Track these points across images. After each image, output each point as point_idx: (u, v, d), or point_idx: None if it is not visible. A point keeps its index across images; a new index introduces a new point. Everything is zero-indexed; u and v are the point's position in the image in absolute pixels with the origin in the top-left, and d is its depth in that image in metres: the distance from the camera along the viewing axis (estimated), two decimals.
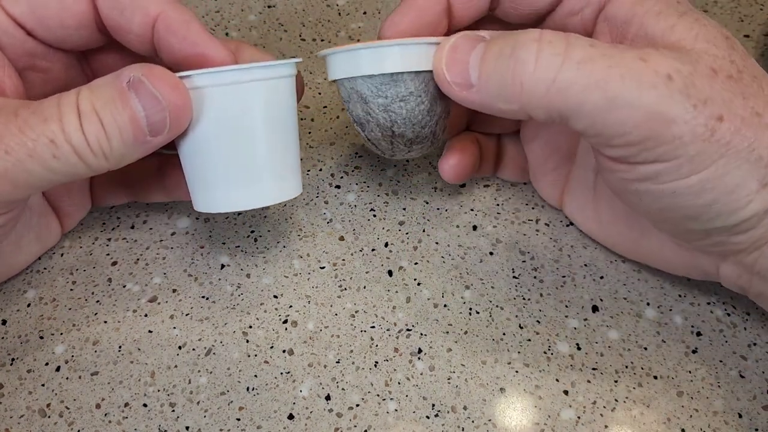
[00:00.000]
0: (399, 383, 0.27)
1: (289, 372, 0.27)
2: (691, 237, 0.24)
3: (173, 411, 0.26)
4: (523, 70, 0.21)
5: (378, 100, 0.25)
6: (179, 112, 0.23)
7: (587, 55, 0.21)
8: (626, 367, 0.27)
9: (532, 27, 0.27)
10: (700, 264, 0.27)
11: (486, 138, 0.32)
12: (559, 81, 0.21)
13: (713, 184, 0.21)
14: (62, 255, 0.31)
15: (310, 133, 0.35)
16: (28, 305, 0.29)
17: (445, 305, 0.29)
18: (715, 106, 0.21)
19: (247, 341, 0.28)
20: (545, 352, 0.28)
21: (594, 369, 0.27)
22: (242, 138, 0.24)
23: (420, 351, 0.28)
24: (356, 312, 0.29)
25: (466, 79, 0.23)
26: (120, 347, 0.28)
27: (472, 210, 0.33)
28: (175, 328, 0.28)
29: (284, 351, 0.28)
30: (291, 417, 0.26)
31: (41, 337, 0.28)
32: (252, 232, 0.32)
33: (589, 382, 0.27)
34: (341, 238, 0.31)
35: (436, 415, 0.26)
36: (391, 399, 0.27)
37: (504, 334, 0.28)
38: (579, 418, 0.26)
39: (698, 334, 0.29)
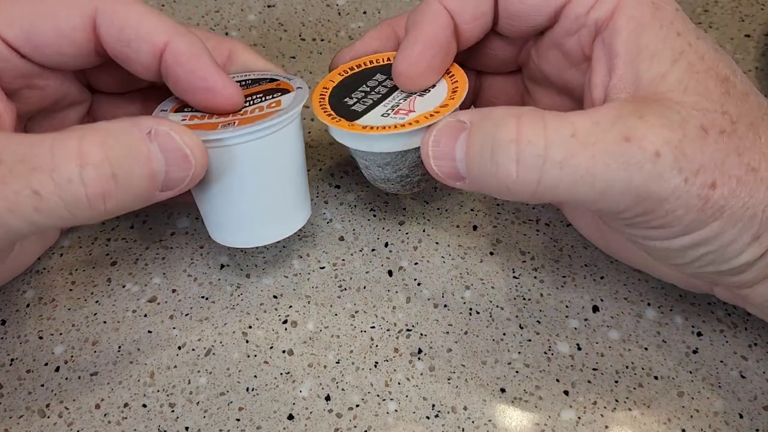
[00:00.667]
0: (399, 383, 0.27)
1: (288, 372, 0.27)
2: (685, 271, 0.25)
3: (173, 411, 0.26)
4: (506, 175, 0.21)
5: (361, 160, 0.27)
6: (200, 172, 0.23)
7: (568, 150, 0.20)
8: (627, 367, 0.27)
9: (531, 41, 0.27)
10: (694, 284, 0.27)
11: None
12: (544, 182, 0.20)
13: (707, 242, 0.21)
14: (61, 255, 0.31)
15: (309, 132, 0.35)
16: (28, 305, 0.29)
17: (445, 305, 0.29)
18: (708, 174, 0.20)
19: (247, 341, 0.28)
20: (545, 353, 0.28)
21: (594, 369, 0.27)
22: (253, 187, 0.25)
23: (420, 351, 0.28)
24: (356, 312, 0.29)
25: (456, 173, 0.23)
26: (119, 347, 0.28)
27: (472, 210, 0.33)
28: (174, 328, 0.28)
29: (284, 351, 0.28)
30: (291, 417, 0.26)
31: (40, 338, 0.28)
32: None
33: (589, 382, 0.27)
34: (341, 238, 0.31)
35: (437, 416, 0.26)
36: (391, 399, 0.26)
37: (504, 334, 0.28)
38: (579, 418, 0.26)
39: (699, 334, 0.28)
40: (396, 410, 0.26)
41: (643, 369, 0.27)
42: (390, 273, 0.30)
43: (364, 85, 0.27)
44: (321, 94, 0.27)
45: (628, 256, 0.29)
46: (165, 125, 0.22)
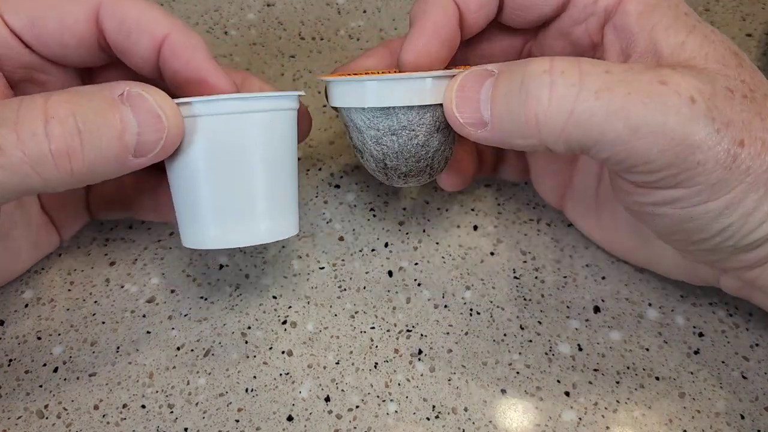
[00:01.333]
0: (399, 384, 0.27)
1: (288, 373, 0.27)
2: (697, 253, 0.24)
3: (172, 412, 0.26)
4: (536, 105, 0.20)
5: (370, 131, 0.25)
6: (173, 137, 0.22)
7: (604, 83, 0.20)
8: (628, 368, 0.27)
9: (535, 33, 0.27)
10: (701, 274, 0.27)
11: None
12: (577, 113, 0.20)
13: (731, 209, 0.21)
14: (60, 255, 0.30)
15: (309, 133, 0.35)
16: (26, 306, 0.29)
17: (445, 306, 0.29)
18: (737, 130, 0.20)
19: (246, 342, 0.28)
20: (546, 353, 0.28)
21: (595, 370, 0.27)
22: (236, 171, 0.23)
23: (420, 352, 0.28)
24: (356, 313, 0.29)
25: (479, 118, 0.22)
26: (118, 348, 0.28)
27: (472, 210, 0.32)
28: (173, 328, 0.28)
29: (283, 352, 0.28)
30: (290, 418, 0.26)
31: (39, 338, 0.28)
32: None
33: (590, 383, 0.27)
34: (341, 239, 0.31)
35: (437, 417, 0.26)
36: (391, 400, 0.26)
37: (505, 334, 0.28)
38: (580, 419, 0.26)
39: (700, 335, 0.28)
40: (396, 411, 0.26)
41: (644, 370, 0.27)
42: (390, 273, 0.30)
43: None
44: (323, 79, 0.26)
45: (632, 252, 0.29)
46: (138, 87, 0.21)
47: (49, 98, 0.20)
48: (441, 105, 0.24)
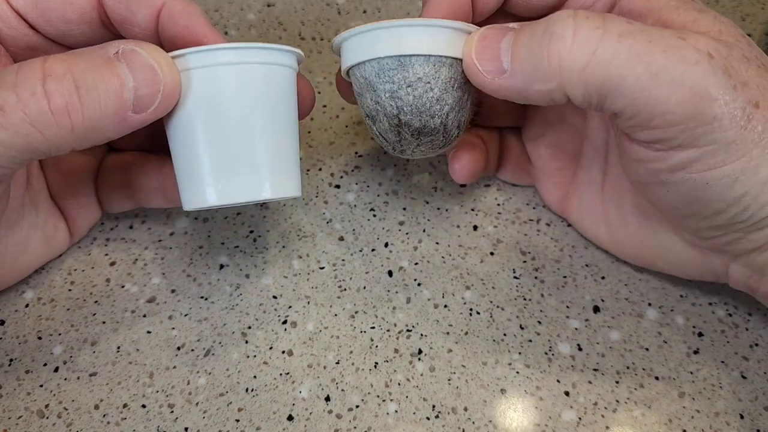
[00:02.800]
0: (399, 384, 0.27)
1: (288, 373, 0.27)
2: (709, 233, 0.24)
3: (172, 412, 0.26)
4: (560, 44, 0.21)
5: (385, 85, 0.24)
6: (171, 90, 0.22)
7: (626, 29, 0.20)
8: (627, 367, 0.27)
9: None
10: (709, 264, 0.26)
11: (488, 134, 0.31)
12: (599, 53, 0.20)
13: (746, 175, 0.21)
14: (60, 255, 0.30)
15: (309, 132, 0.35)
16: (27, 306, 0.29)
17: (445, 306, 0.29)
18: (752, 91, 0.21)
19: (246, 342, 0.28)
20: (546, 353, 0.28)
21: (595, 370, 0.27)
22: (234, 125, 0.23)
23: (420, 352, 0.28)
24: (356, 312, 0.29)
25: (498, 66, 0.22)
26: (118, 348, 0.28)
27: (472, 210, 0.32)
28: (173, 328, 0.28)
29: (283, 352, 0.28)
30: (290, 418, 0.26)
31: (39, 338, 0.28)
32: (251, 232, 0.31)
33: (590, 382, 0.27)
34: (341, 238, 0.31)
35: (437, 417, 0.26)
36: (391, 400, 0.26)
37: (505, 334, 0.28)
38: (580, 419, 0.26)
39: (700, 334, 0.28)
40: (396, 411, 0.26)
41: (644, 369, 0.27)
42: (390, 273, 0.30)
43: None
44: None
45: (639, 247, 0.28)
46: (132, 44, 0.22)
47: (46, 60, 0.20)
48: (458, 61, 0.24)
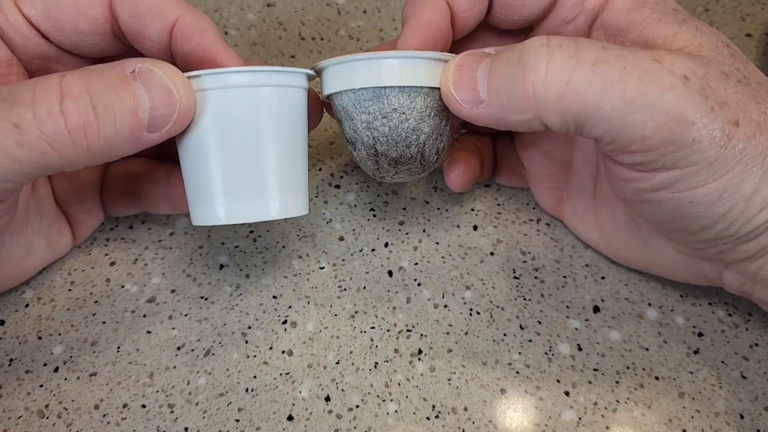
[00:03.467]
0: (399, 384, 0.27)
1: (288, 373, 0.27)
2: (698, 245, 0.24)
3: (172, 412, 0.26)
4: (534, 75, 0.20)
5: (361, 116, 0.25)
6: (186, 110, 0.22)
7: (600, 56, 0.20)
8: (627, 367, 0.27)
9: (524, 35, 0.27)
10: (702, 271, 0.26)
11: (482, 140, 0.31)
12: (574, 83, 0.20)
13: (730, 192, 0.21)
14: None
15: (309, 132, 0.35)
16: (27, 306, 0.29)
17: (445, 306, 0.29)
18: (731, 110, 0.20)
19: (246, 342, 0.28)
20: (546, 353, 0.28)
21: (595, 370, 0.27)
22: (246, 146, 0.23)
23: (420, 352, 0.28)
24: (356, 313, 0.29)
25: (475, 95, 0.22)
26: (118, 348, 0.28)
27: (472, 210, 0.32)
28: (173, 328, 0.28)
29: (283, 352, 0.28)
30: (290, 418, 0.26)
31: (39, 338, 0.28)
32: (251, 232, 0.31)
33: (590, 383, 0.27)
34: (341, 238, 0.31)
35: (437, 417, 0.26)
36: (391, 400, 0.26)
37: (505, 334, 0.28)
38: (580, 419, 0.26)
39: (700, 334, 0.28)
40: (396, 411, 0.26)
41: (644, 369, 0.27)
42: (390, 273, 0.30)
43: None
44: None
45: (632, 252, 0.28)
46: (148, 63, 0.22)
47: (63, 77, 0.21)
48: (433, 90, 0.24)
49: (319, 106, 0.28)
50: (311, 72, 0.25)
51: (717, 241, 0.23)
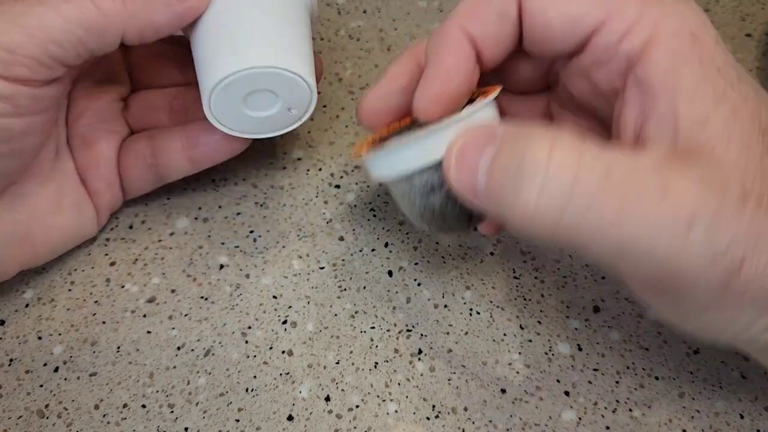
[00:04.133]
0: (399, 384, 0.27)
1: (288, 373, 0.27)
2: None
3: (172, 412, 0.26)
4: (527, 196, 0.18)
5: (396, 195, 0.25)
6: None
7: (598, 189, 0.18)
8: (627, 367, 0.27)
9: (559, 63, 0.25)
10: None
11: None
12: (563, 223, 0.18)
13: (723, 324, 0.20)
14: (60, 255, 0.30)
15: (309, 132, 0.35)
16: (27, 306, 0.29)
17: (445, 305, 0.29)
18: (739, 248, 0.18)
19: (246, 342, 0.28)
20: (546, 353, 0.28)
21: (595, 370, 0.27)
22: (251, 11, 0.25)
23: (420, 352, 0.28)
24: (356, 312, 0.29)
25: (474, 187, 0.20)
26: (118, 348, 0.28)
27: None
28: (173, 328, 0.28)
29: (283, 352, 0.28)
30: (290, 418, 0.26)
31: (39, 338, 0.28)
32: (251, 232, 0.31)
33: (590, 382, 0.27)
34: (341, 238, 0.31)
35: (437, 417, 0.26)
36: (391, 400, 0.26)
37: (505, 334, 0.28)
38: (580, 419, 0.26)
39: None
40: (396, 411, 0.26)
41: (644, 369, 0.27)
42: (390, 273, 0.30)
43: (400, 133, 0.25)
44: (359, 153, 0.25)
45: None
46: None
47: None
48: (435, 165, 0.22)
49: (319, 65, 0.30)
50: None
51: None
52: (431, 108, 0.23)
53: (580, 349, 0.28)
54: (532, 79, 0.26)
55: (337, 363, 0.27)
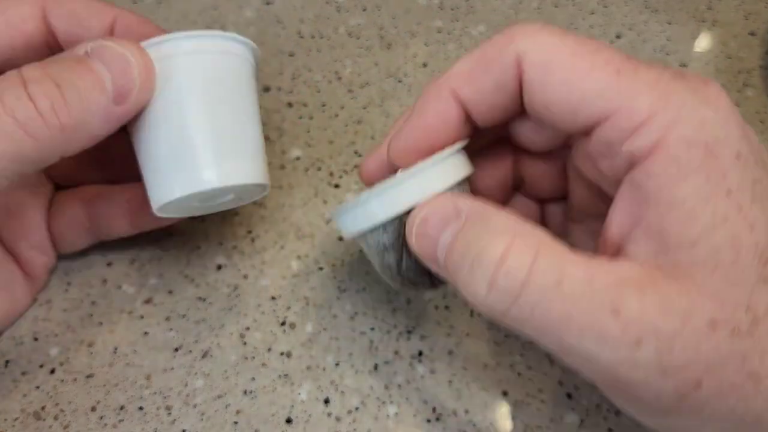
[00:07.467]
0: (399, 386, 0.27)
1: (287, 375, 0.27)
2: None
3: (169, 414, 0.26)
4: (476, 291, 0.18)
5: (363, 249, 0.24)
6: (147, 75, 0.22)
7: (545, 296, 0.17)
8: None
9: (560, 147, 0.23)
10: None
11: (527, 207, 0.27)
12: (510, 314, 0.18)
13: (689, 430, 0.19)
14: (57, 256, 0.30)
15: (309, 132, 0.35)
16: None
17: (446, 307, 0.29)
18: (695, 372, 0.17)
19: (245, 344, 0.28)
20: (548, 355, 0.27)
21: None
22: (196, 113, 0.23)
23: (421, 354, 0.27)
24: (355, 314, 0.29)
25: (434, 257, 0.20)
26: (115, 349, 0.27)
27: None
28: (171, 330, 0.28)
29: (282, 353, 0.27)
30: (289, 421, 0.26)
31: (36, 339, 0.28)
32: (249, 232, 0.31)
33: (592, 385, 0.27)
34: (340, 239, 0.31)
35: (437, 419, 0.26)
36: (391, 402, 0.26)
37: (506, 336, 0.28)
38: (582, 421, 0.26)
39: None
40: (396, 413, 0.26)
41: None
42: None
43: None
44: None
45: None
46: (98, 41, 0.22)
47: (20, 69, 0.21)
48: (382, 225, 0.22)
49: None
50: (253, 45, 0.25)
51: None
52: (402, 159, 0.23)
53: None
54: (543, 143, 0.24)
55: (337, 365, 0.27)
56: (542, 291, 0.17)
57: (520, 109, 0.22)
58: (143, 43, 0.23)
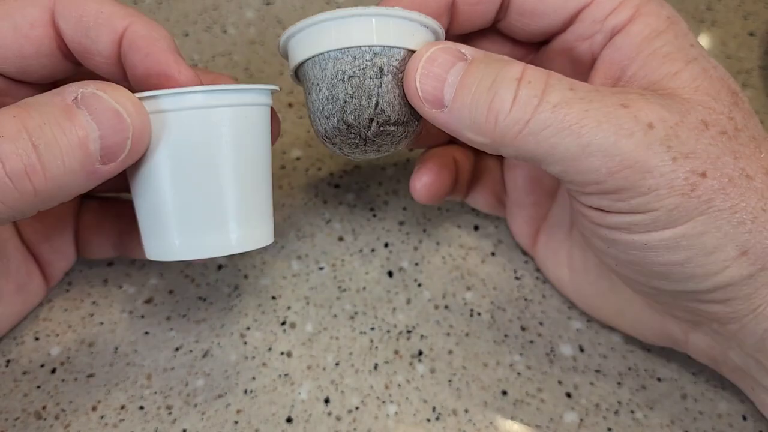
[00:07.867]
0: (399, 386, 0.27)
1: (287, 374, 0.27)
2: (660, 298, 0.23)
3: (170, 414, 0.26)
4: (500, 106, 0.20)
5: (322, 82, 0.22)
6: (140, 135, 0.20)
7: (564, 98, 0.20)
8: (630, 369, 0.27)
9: (539, 46, 0.26)
10: (668, 330, 0.25)
11: (462, 153, 0.29)
12: (532, 123, 0.20)
13: (689, 241, 0.20)
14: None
15: (309, 131, 0.35)
16: None
17: (446, 306, 0.29)
18: (699, 161, 0.20)
19: (245, 343, 0.28)
20: (548, 354, 0.28)
21: (597, 371, 0.27)
22: (203, 174, 0.21)
23: (421, 353, 0.28)
24: (356, 313, 0.29)
25: (439, 97, 0.21)
26: (116, 349, 0.27)
27: (473, 210, 0.32)
28: (171, 329, 0.28)
29: (282, 353, 0.27)
30: (289, 420, 0.26)
31: (37, 339, 0.28)
32: None
33: (592, 384, 0.27)
34: (340, 239, 0.31)
35: (437, 418, 0.26)
36: (391, 402, 0.26)
37: (506, 335, 0.28)
38: (582, 420, 0.26)
39: None
40: (396, 413, 0.26)
41: (646, 371, 0.27)
42: (390, 274, 0.30)
43: None
44: None
45: (599, 298, 0.27)
46: (92, 86, 0.20)
47: None
48: (397, 50, 0.22)
49: (276, 121, 0.25)
50: (274, 88, 0.23)
51: (678, 296, 0.22)
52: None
53: (581, 351, 0.28)
54: (525, 33, 0.26)
55: (337, 364, 0.27)
56: (561, 94, 0.20)
57: (494, 15, 0.24)
58: (139, 95, 0.21)
